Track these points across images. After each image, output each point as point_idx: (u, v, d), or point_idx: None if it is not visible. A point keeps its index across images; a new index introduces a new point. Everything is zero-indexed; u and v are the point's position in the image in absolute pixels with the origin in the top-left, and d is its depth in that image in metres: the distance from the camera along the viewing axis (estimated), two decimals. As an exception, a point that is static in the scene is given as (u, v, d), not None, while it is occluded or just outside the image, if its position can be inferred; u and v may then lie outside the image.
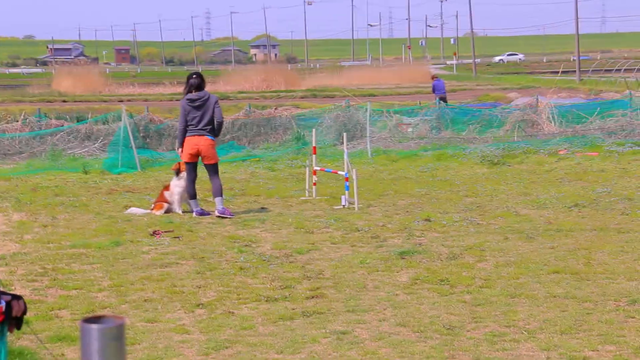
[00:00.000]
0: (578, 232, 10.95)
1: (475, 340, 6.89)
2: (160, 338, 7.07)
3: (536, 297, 8.06)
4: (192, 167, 12.92)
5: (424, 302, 8.00)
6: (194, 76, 13.05)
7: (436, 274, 8.95)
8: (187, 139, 12.77)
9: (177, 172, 13.14)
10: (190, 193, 12.88)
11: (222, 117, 12.94)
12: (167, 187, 13.16)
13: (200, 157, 12.82)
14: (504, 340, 6.86)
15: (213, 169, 12.80)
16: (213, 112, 12.69)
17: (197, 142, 12.71)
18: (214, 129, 12.77)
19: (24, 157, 20.41)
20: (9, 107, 35.23)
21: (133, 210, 13.04)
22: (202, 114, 12.67)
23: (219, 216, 12.48)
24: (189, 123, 12.74)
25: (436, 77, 33.70)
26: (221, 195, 12.68)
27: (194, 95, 12.75)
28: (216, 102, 12.82)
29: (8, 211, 13.18)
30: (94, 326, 2.35)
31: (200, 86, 12.82)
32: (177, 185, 13.02)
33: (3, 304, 3.07)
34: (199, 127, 12.68)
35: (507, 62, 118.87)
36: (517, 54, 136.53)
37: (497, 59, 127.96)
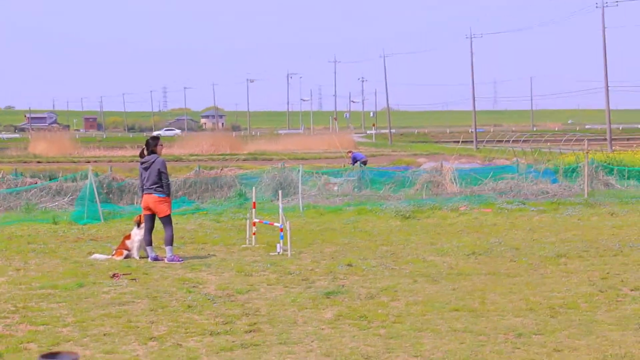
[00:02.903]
0: (475, 276, 11.05)
1: (388, 368, 6.86)
2: (117, 368, 6.89)
3: (439, 331, 8.08)
4: (148, 218, 12.79)
5: (345, 335, 7.96)
6: (149, 139, 13.01)
7: (356, 311, 8.93)
8: (143, 196, 12.76)
9: (138, 224, 12.96)
10: (147, 240, 12.71)
11: (168, 181, 12.66)
12: (128, 237, 12.96)
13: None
14: (412, 368, 6.84)
15: (164, 221, 12.66)
16: (159, 174, 12.53)
17: (147, 199, 12.67)
18: (162, 187, 12.61)
19: (1, 210, 19.97)
20: (-10, 166, 34.44)
21: (96, 256, 12.79)
22: (148, 174, 12.59)
23: (168, 263, 12.33)
24: (142, 182, 12.70)
25: (351, 152, 33.11)
26: (171, 245, 12.53)
27: (143, 158, 12.74)
28: (161, 166, 12.58)
29: (-15, 256, 12.80)
30: (49, 362, 2.29)
31: (150, 147, 12.72)
32: (137, 234, 12.84)
33: None
34: (147, 185, 12.61)
35: (166, 136, 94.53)
36: (174, 129, 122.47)
37: (165, 132, 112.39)
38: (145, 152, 12.77)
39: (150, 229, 12.74)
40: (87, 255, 12.99)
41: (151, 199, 12.60)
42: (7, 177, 22.43)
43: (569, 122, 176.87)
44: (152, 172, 12.55)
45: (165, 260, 12.38)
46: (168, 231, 12.57)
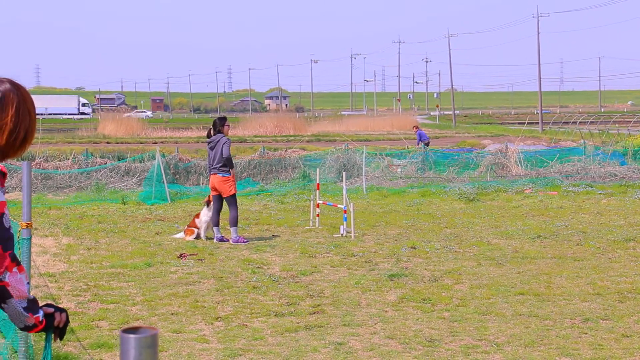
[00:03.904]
0: (540, 260, 10.90)
1: (452, 351, 6.83)
2: (184, 346, 7.01)
3: (504, 315, 8.01)
4: (215, 198, 12.91)
5: (409, 318, 7.95)
6: (215, 119, 13.11)
7: (420, 294, 8.90)
8: (210, 176, 12.90)
9: (207, 204, 13.12)
10: (214, 221, 12.85)
11: (229, 153, 12.66)
12: (198, 215, 13.14)
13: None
14: (476, 352, 6.80)
15: (229, 201, 12.75)
16: (222, 151, 12.65)
17: (212, 179, 12.80)
18: (226, 166, 12.71)
19: (73, 190, 20.43)
20: (61, 148, 35.26)
21: (178, 234, 13.07)
22: (214, 153, 12.71)
23: (233, 243, 12.45)
24: (210, 162, 12.83)
25: (417, 127, 33.43)
26: (235, 226, 12.63)
27: (210, 138, 12.86)
28: (225, 142, 12.66)
29: (58, 235, 13.15)
30: (132, 336, 2.34)
31: (217, 128, 12.82)
32: (205, 214, 12.99)
33: (41, 314, 3.05)
34: (213, 165, 12.74)
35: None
36: (145, 112, 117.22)
37: (135, 114, 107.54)
38: (212, 132, 12.89)
39: (218, 210, 12.87)
40: (155, 235, 13.22)
41: (216, 179, 12.73)
42: (79, 157, 22.92)
43: (628, 103, 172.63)
44: (217, 151, 12.68)
45: (231, 241, 12.52)
46: (233, 212, 12.68)
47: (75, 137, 52.11)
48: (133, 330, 2.37)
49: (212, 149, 12.76)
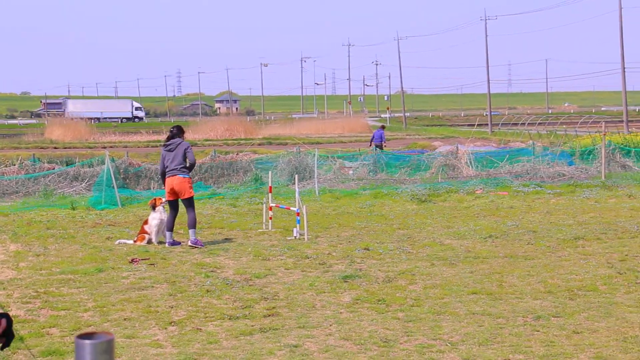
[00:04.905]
0: (492, 259, 11.04)
1: (407, 351, 6.88)
2: (138, 352, 6.94)
3: (458, 314, 8.08)
4: (171, 204, 12.79)
5: (363, 319, 7.98)
6: (173, 128, 13.04)
7: (374, 295, 8.94)
8: (166, 179, 12.73)
9: (154, 207, 13.00)
10: (169, 226, 12.70)
11: (194, 159, 12.81)
12: (146, 222, 12.99)
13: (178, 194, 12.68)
14: (431, 351, 6.86)
15: (187, 203, 12.65)
16: (184, 154, 12.60)
17: (171, 180, 12.64)
18: (186, 168, 12.66)
19: (20, 195, 20.09)
20: (7, 153, 34.65)
21: (121, 241, 12.89)
22: (173, 156, 12.62)
23: (191, 246, 12.34)
24: (165, 165, 12.69)
25: (384, 127, 34.36)
26: (194, 228, 12.55)
27: (168, 141, 12.78)
28: (188, 147, 12.72)
29: (6, 242, 12.91)
30: (87, 341, 2.31)
31: (176, 136, 12.81)
32: (154, 218, 12.86)
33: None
34: (172, 167, 12.62)
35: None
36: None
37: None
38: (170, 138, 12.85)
39: (174, 215, 12.73)
40: (105, 240, 13.06)
41: (176, 180, 12.59)
42: (25, 162, 22.54)
43: (565, 104, 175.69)
44: (178, 153, 12.61)
45: (189, 243, 12.42)
46: (191, 213, 12.57)
47: (21, 143, 51.24)
48: (88, 336, 2.34)
49: (170, 150, 12.66)
